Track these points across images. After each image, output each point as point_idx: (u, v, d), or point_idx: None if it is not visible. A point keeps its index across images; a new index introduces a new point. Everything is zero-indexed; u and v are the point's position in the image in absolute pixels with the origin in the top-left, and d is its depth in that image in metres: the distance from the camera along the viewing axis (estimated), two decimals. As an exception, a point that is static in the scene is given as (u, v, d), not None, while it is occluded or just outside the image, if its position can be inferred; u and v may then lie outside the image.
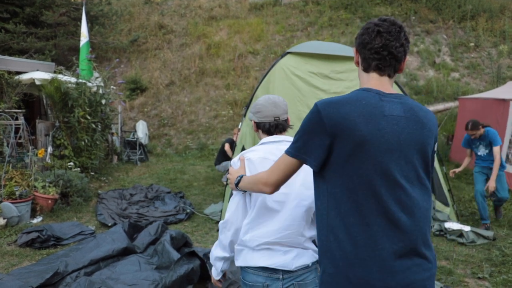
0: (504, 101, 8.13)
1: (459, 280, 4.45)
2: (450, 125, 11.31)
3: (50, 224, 5.85)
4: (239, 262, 2.29)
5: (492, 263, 4.88)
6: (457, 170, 6.52)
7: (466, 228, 5.73)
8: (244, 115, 6.43)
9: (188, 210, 6.91)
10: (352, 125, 1.67)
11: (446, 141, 10.72)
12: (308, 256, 2.23)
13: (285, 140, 2.36)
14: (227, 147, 8.48)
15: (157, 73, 15.74)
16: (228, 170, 3.31)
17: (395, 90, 1.85)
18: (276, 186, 1.95)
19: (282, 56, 6.67)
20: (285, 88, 6.48)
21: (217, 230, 5.94)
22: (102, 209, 6.82)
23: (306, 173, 2.14)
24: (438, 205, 6.27)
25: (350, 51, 6.94)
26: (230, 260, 2.40)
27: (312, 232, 2.25)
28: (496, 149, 5.97)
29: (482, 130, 6.20)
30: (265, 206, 2.19)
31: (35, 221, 6.23)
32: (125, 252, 4.85)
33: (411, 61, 14.85)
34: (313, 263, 2.25)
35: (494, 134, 6.11)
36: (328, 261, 1.76)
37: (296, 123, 6.03)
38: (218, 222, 6.26)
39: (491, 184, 5.92)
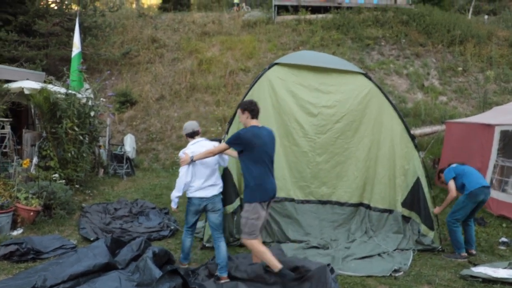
0: (489, 126, 8.23)
1: (440, 306, 4.46)
2: (437, 149, 11.40)
3: (31, 236, 5.77)
4: (190, 194, 5.01)
5: (473, 289, 4.89)
6: None
7: None
8: (227, 132, 6.25)
9: (172, 227, 6.85)
10: (251, 141, 4.56)
11: (432, 165, 10.78)
12: (216, 190, 5.09)
13: (200, 140, 5.21)
14: None
15: (147, 87, 15.73)
16: None
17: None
18: (216, 154, 4.89)
19: (269, 67, 6.54)
20: (271, 102, 6.41)
21: (200, 248, 5.92)
22: (85, 223, 6.74)
23: (215, 159, 5.06)
24: (424, 228, 6.20)
25: (342, 64, 6.83)
26: (180, 196, 5.04)
27: (219, 180, 5.16)
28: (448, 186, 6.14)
29: (443, 178, 6.36)
30: (200, 172, 4.97)
31: (15, 233, 6.14)
32: (107, 268, 4.79)
33: (400, 83, 15.03)
34: (219, 193, 5.12)
35: (444, 175, 6.28)
36: (249, 182, 4.63)
37: (282, 139, 6.03)
38: (202, 239, 6.21)
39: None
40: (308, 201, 6.47)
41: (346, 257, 5.73)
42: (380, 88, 6.56)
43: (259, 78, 6.48)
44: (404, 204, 6.34)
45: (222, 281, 4.75)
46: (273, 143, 4.82)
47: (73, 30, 12.51)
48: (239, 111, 4.90)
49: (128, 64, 16.84)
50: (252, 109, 4.74)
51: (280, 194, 6.34)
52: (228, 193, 6.05)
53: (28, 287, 4.09)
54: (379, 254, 5.89)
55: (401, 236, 6.26)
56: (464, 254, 5.97)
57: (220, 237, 5.09)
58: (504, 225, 7.32)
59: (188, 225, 5.23)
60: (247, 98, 6.29)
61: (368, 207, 6.50)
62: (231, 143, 4.74)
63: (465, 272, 5.29)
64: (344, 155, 6.46)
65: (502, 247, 6.43)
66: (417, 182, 6.27)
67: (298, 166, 6.46)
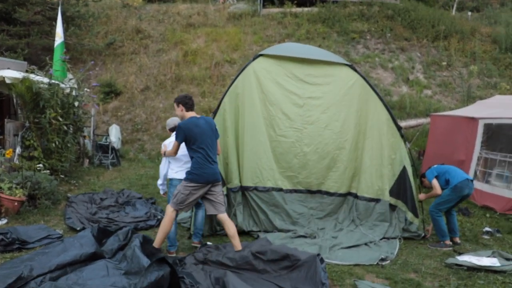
0: (473, 119, 8.35)
1: (427, 293, 4.52)
2: (422, 141, 11.55)
3: (16, 226, 5.67)
4: (170, 175, 5.46)
5: (459, 277, 4.96)
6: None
7: (495, 261, 5.32)
8: None
9: (159, 217, 6.81)
10: (191, 130, 4.89)
11: (418, 156, 10.91)
12: None
13: None
14: None
15: (132, 78, 15.58)
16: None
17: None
18: (175, 153, 5.14)
19: (253, 59, 6.52)
20: (257, 93, 6.40)
21: (188, 238, 5.91)
22: (71, 213, 6.66)
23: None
24: (410, 216, 6.31)
25: (327, 55, 6.86)
26: (164, 184, 5.71)
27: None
28: (432, 184, 6.25)
29: (425, 180, 6.43)
30: (178, 157, 5.31)
31: (-1, 223, 6.04)
32: (93, 257, 4.72)
33: (385, 77, 15.14)
34: None
35: (426, 176, 6.37)
36: (191, 167, 4.97)
37: (269, 129, 6.00)
38: (188, 229, 6.19)
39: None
40: (296, 191, 6.48)
41: (333, 246, 5.76)
42: (365, 79, 6.57)
43: (243, 69, 6.46)
44: (391, 193, 6.40)
45: (193, 245, 5.57)
46: (211, 130, 5.10)
47: (55, 19, 12.27)
48: (174, 105, 5.25)
49: (112, 55, 16.65)
50: (186, 103, 5.14)
51: (267, 184, 6.36)
52: None
53: (15, 276, 3.99)
54: (365, 244, 5.95)
55: (387, 224, 6.33)
56: (449, 242, 6.06)
57: (200, 208, 5.76)
58: (487, 215, 7.46)
59: None
60: (231, 90, 6.31)
61: (355, 196, 6.55)
62: (176, 136, 5.03)
63: (450, 260, 5.36)
64: (333, 145, 6.47)
65: (486, 237, 6.56)
66: (404, 171, 6.34)
67: (286, 156, 6.45)
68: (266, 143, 6.38)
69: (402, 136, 6.41)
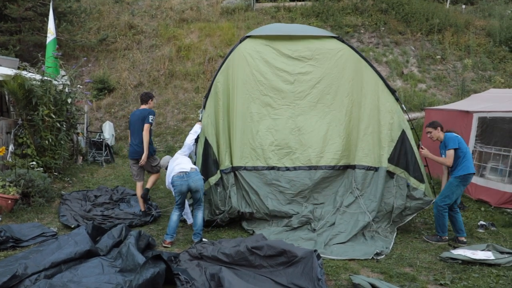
0: (468, 113, 8.36)
1: (421, 287, 4.53)
2: (416, 135, 11.53)
3: (9, 225, 5.64)
4: (170, 172, 5.79)
5: (453, 270, 4.98)
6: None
7: (490, 254, 5.30)
8: (204, 106, 6.43)
9: (153, 213, 6.79)
10: (129, 119, 6.65)
11: (412, 151, 10.90)
12: (191, 165, 5.75)
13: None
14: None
15: (125, 74, 15.48)
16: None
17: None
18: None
19: (241, 41, 6.62)
20: (246, 73, 6.51)
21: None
22: (65, 210, 6.63)
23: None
24: (413, 181, 6.21)
25: (314, 30, 6.98)
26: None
27: (190, 160, 6.02)
28: (447, 152, 5.94)
29: (441, 134, 6.14)
30: (175, 158, 6.01)
31: (-7, 221, 5.99)
32: (88, 254, 4.72)
33: (379, 71, 15.07)
34: (191, 168, 5.67)
35: (448, 138, 6.01)
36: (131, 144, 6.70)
37: (261, 109, 6.54)
38: (185, 221, 6.22)
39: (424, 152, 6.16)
40: (294, 168, 6.43)
41: (329, 241, 5.75)
42: (354, 49, 6.63)
43: (231, 52, 6.56)
44: (390, 160, 6.32)
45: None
46: (138, 119, 6.44)
47: (47, 16, 12.17)
48: None
49: (105, 51, 16.52)
50: (140, 99, 6.78)
51: (257, 163, 6.40)
52: (208, 166, 6.24)
53: (9, 275, 3.97)
54: (363, 234, 5.95)
55: (388, 194, 6.26)
56: (446, 237, 6.05)
57: (199, 210, 5.83)
58: (482, 209, 7.48)
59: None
60: (222, 72, 6.50)
61: (354, 167, 6.49)
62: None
63: (445, 254, 5.38)
64: (327, 118, 6.52)
65: (481, 230, 6.57)
66: (403, 135, 6.34)
67: (281, 133, 6.49)
68: (257, 122, 6.48)
69: (397, 99, 6.44)
